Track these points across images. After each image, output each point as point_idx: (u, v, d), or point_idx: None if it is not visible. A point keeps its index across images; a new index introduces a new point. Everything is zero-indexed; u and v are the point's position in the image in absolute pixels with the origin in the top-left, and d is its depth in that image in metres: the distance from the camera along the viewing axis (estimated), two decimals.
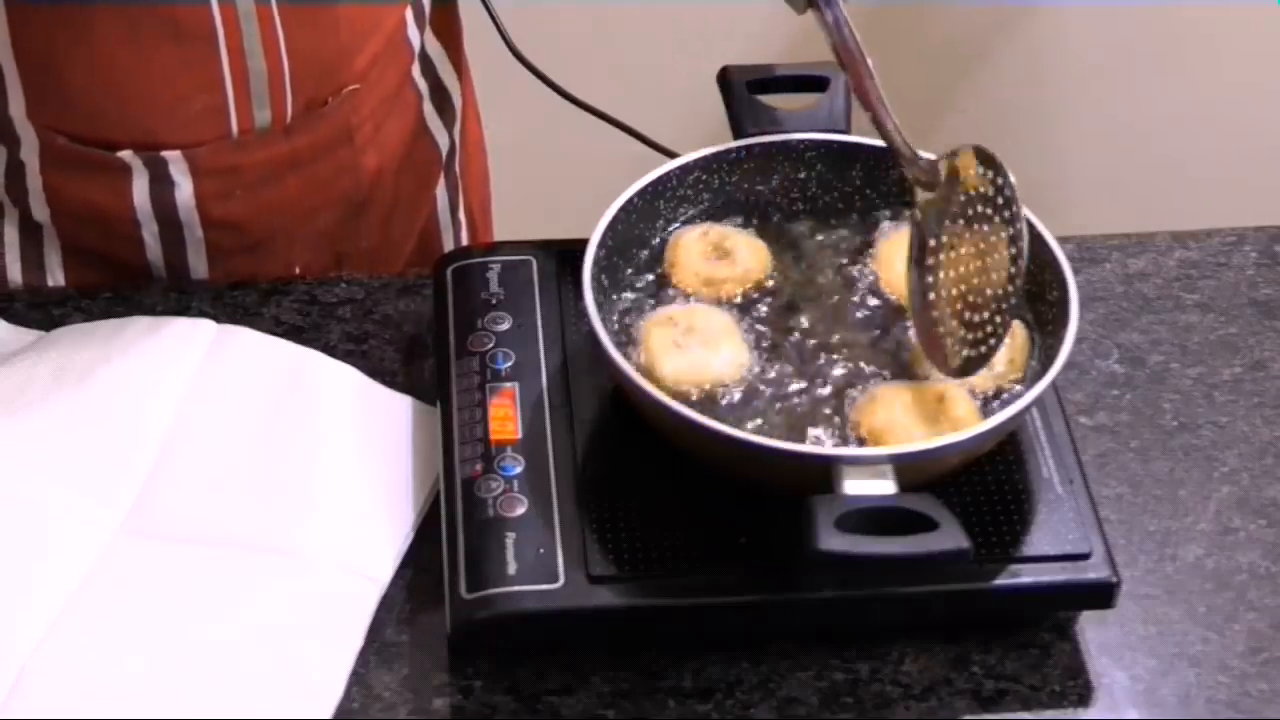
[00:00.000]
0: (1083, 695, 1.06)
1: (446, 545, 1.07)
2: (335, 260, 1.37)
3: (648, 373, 1.09)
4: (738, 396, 1.09)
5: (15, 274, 1.33)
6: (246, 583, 1.07)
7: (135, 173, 1.27)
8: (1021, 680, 1.06)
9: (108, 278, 1.31)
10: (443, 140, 1.44)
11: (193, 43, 1.22)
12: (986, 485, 1.09)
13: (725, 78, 1.23)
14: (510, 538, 1.05)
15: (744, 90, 1.22)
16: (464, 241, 1.50)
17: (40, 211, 1.31)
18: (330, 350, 1.21)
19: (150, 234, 1.30)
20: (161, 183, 1.27)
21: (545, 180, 2.16)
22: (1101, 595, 1.06)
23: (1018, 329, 1.12)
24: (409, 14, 1.35)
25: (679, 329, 1.11)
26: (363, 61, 1.30)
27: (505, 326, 1.17)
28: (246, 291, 1.27)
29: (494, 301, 1.18)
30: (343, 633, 1.06)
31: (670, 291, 1.15)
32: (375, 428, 1.16)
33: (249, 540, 1.09)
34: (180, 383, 1.17)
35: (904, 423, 1.07)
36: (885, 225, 1.19)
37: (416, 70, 1.38)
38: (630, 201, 1.16)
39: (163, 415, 1.15)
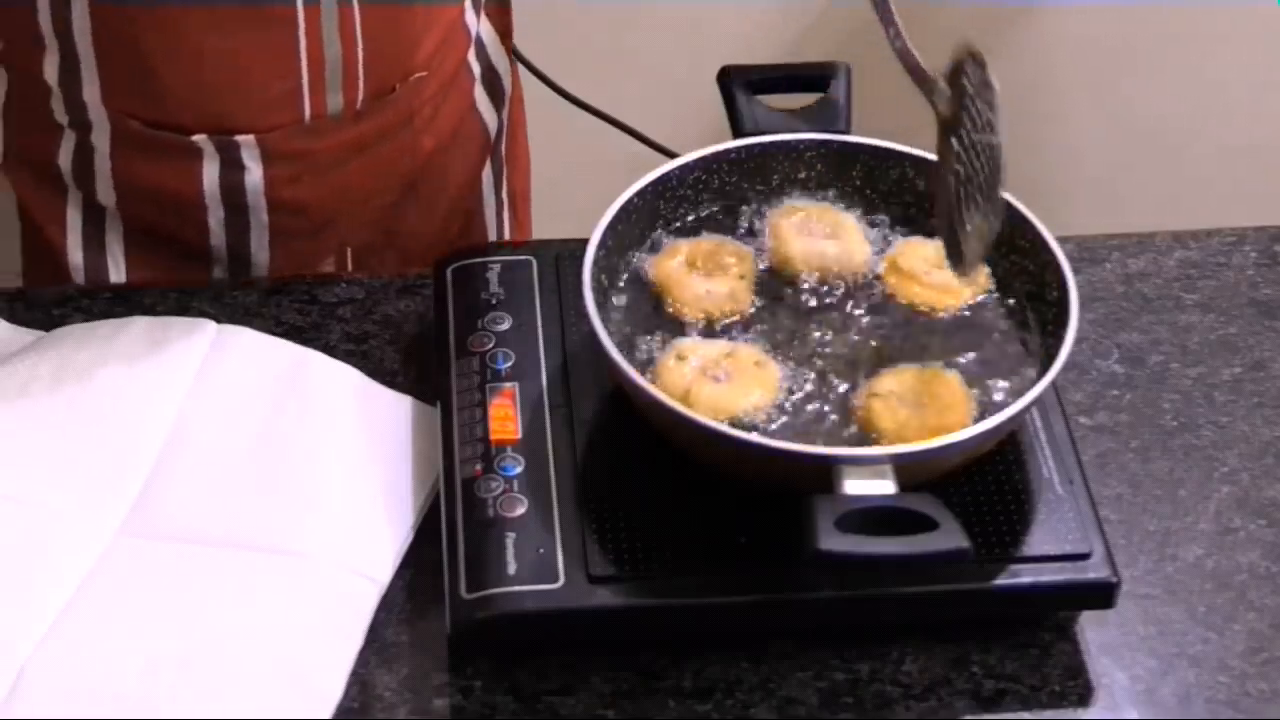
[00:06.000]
0: (1083, 695, 1.06)
1: (446, 545, 1.07)
2: (385, 240, 1.38)
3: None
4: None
5: (76, 257, 1.34)
6: (246, 583, 1.07)
7: (206, 157, 1.28)
8: (1021, 680, 1.06)
9: (168, 261, 1.33)
10: (492, 122, 1.45)
11: (274, 28, 1.24)
12: (986, 485, 1.09)
13: (725, 78, 1.23)
14: (510, 538, 1.05)
15: (744, 90, 1.22)
16: (505, 224, 1.51)
17: (106, 195, 1.32)
18: (330, 350, 1.21)
19: (215, 219, 1.31)
20: (232, 167, 1.29)
21: (545, 180, 2.16)
22: (1101, 595, 1.07)
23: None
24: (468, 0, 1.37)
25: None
26: (428, 48, 1.32)
27: (505, 326, 1.17)
28: (246, 291, 1.27)
29: (494, 301, 1.18)
30: (343, 633, 1.06)
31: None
32: (375, 428, 1.16)
33: (249, 540, 1.09)
34: (180, 383, 1.17)
35: (900, 410, 1.07)
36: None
37: (472, 54, 1.40)
38: (630, 201, 1.16)
39: (163, 415, 1.15)
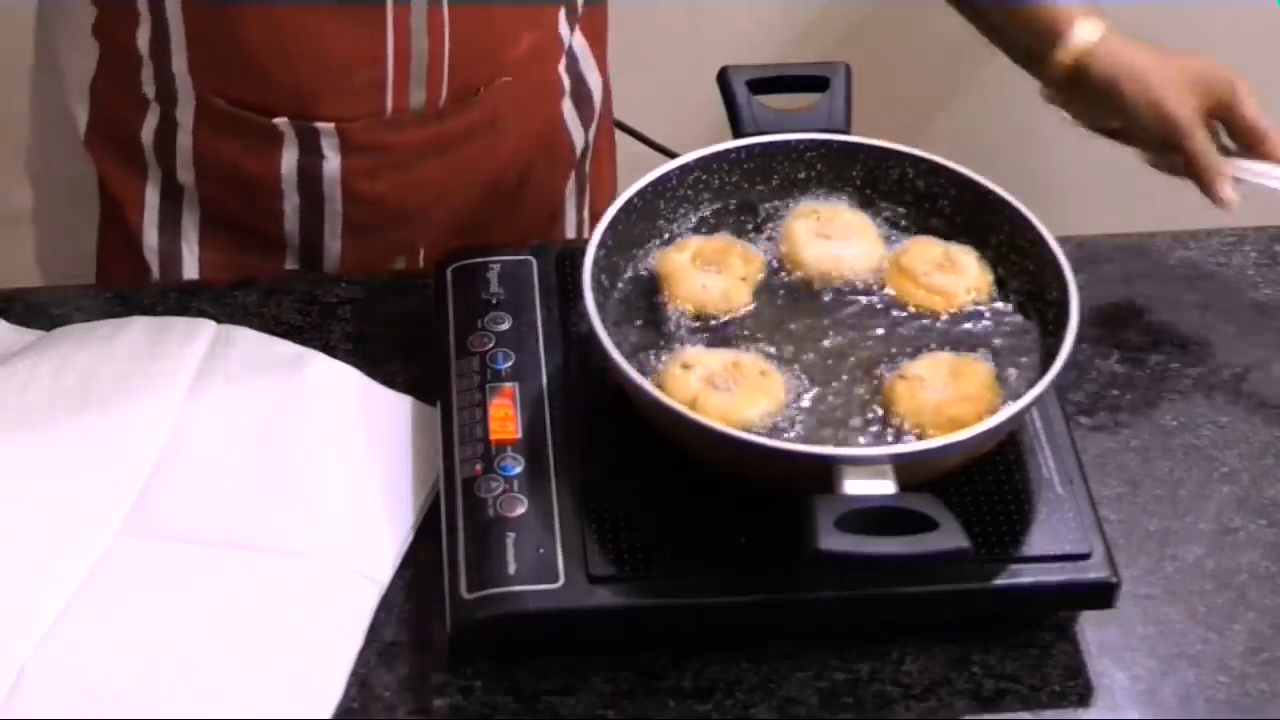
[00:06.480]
0: (1083, 695, 1.06)
1: (446, 545, 1.07)
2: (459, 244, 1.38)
3: None
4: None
5: (151, 238, 1.35)
6: (246, 583, 1.07)
7: (286, 141, 1.29)
8: (1021, 680, 1.06)
9: (241, 248, 1.34)
10: (578, 138, 1.44)
11: (364, 19, 1.24)
12: (986, 485, 1.09)
13: (725, 78, 1.23)
14: (510, 538, 1.05)
15: (744, 90, 1.22)
16: None
17: (186, 173, 1.33)
18: (330, 350, 1.21)
19: (291, 205, 1.32)
20: (310, 154, 1.30)
21: None
22: (1101, 595, 1.07)
23: (969, 257, 1.15)
24: (562, 11, 1.36)
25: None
26: (517, 53, 1.32)
27: (505, 326, 1.17)
28: (247, 291, 1.27)
29: (494, 301, 1.18)
30: (343, 633, 1.06)
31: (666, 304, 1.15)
32: (375, 428, 1.16)
33: (249, 540, 1.09)
34: (180, 383, 1.17)
35: (921, 394, 1.08)
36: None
37: (562, 66, 1.39)
38: (630, 201, 1.16)
39: (163, 415, 1.15)
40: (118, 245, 1.37)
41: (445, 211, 1.36)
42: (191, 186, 1.34)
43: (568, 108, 1.41)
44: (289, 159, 1.30)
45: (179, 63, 1.28)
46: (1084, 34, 1.27)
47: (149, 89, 1.30)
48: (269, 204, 1.32)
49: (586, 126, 1.44)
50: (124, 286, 1.30)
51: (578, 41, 1.40)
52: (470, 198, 1.37)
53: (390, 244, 1.36)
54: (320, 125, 1.29)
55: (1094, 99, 1.28)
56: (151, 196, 1.35)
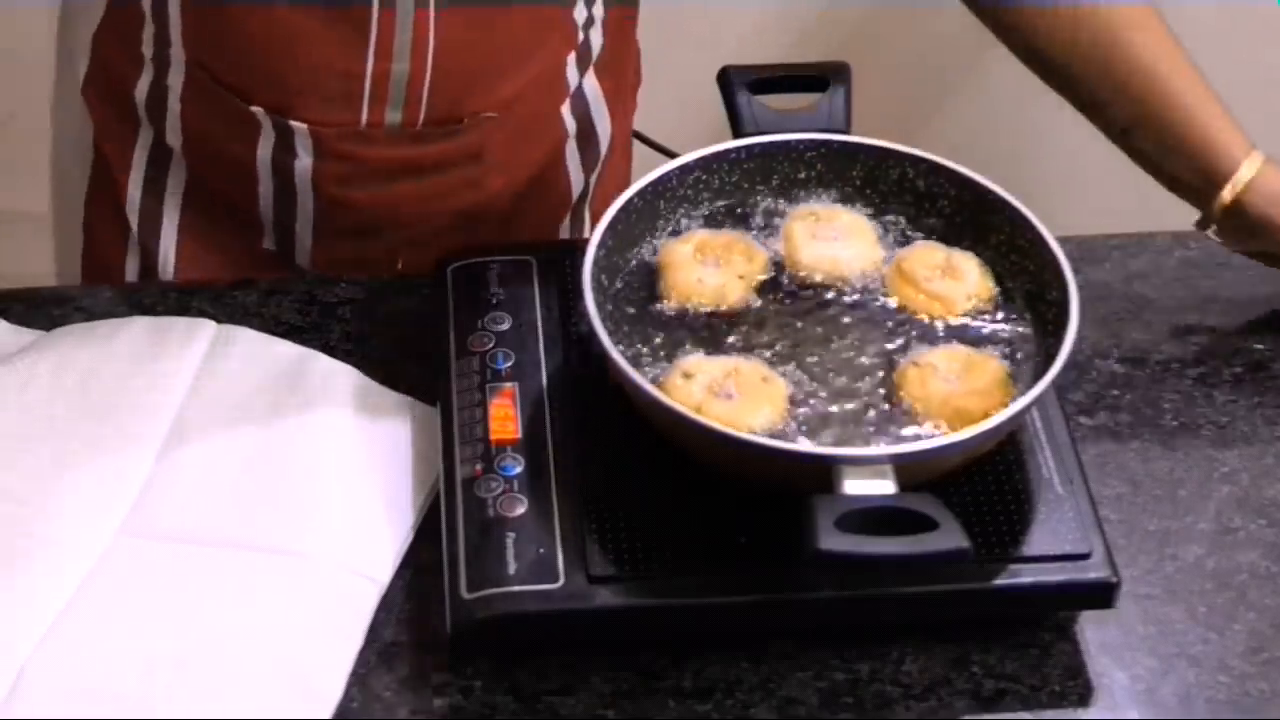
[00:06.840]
0: (1083, 695, 1.06)
1: (446, 545, 1.07)
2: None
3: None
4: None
5: (135, 195, 1.36)
6: (246, 583, 1.07)
7: (264, 130, 1.29)
8: (1021, 680, 1.06)
9: (221, 221, 1.35)
10: (578, 181, 1.42)
11: (349, 25, 1.24)
12: (986, 485, 1.09)
13: (725, 78, 1.23)
14: (510, 538, 1.05)
15: (744, 90, 1.22)
16: None
17: (174, 137, 1.34)
18: (330, 350, 1.21)
19: (266, 188, 1.33)
20: (285, 148, 1.30)
21: None
22: (1101, 595, 1.07)
23: (970, 263, 1.15)
24: (572, 55, 1.35)
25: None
26: (507, 91, 1.31)
27: (505, 326, 1.17)
28: (247, 291, 1.27)
29: (494, 301, 1.18)
30: (343, 633, 1.06)
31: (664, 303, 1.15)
32: (375, 428, 1.16)
33: (249, 540, 1.09)
34: (180, 383, 1.17)
35: (931, 382, 1.08)
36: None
37: (566, 108, 1.38)
38: (630, 201, 1.16)
39: (163, 415, 1.15)
40: (103, 200, 1.38)
41: (424, 231, 1.36)
42: (179, 151, 1.34)
43: (570, 151, 1.40)
44: (265, 147, 1.30)
45: (175, 30, 1.28)
46: (1245, 172, 1.24)
47: (147, 49, 1.30)
48: (246, 183, 1.33)
49: (589, 171, 1.43)
50: (122, 286, 1.29)
51: (589, 85, 1.38)
52: (451, 223, 1.36)
53: (365, 250, 1.35)
54: (294, 124, 1.29)
55: (1249, 229, 1.26)
56: (140, 154, 1.35)
